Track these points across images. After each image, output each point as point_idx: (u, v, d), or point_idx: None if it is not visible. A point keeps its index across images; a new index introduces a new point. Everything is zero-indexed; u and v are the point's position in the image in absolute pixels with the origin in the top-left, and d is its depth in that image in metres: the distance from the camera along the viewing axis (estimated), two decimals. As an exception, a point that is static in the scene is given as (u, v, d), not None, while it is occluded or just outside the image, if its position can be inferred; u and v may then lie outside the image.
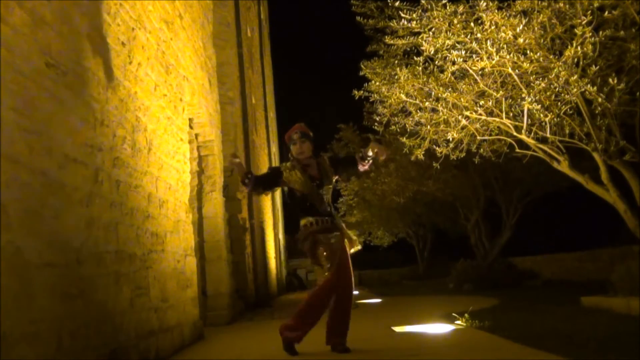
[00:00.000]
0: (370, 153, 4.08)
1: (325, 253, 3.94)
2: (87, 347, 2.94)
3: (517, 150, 6.50)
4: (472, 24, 5.44)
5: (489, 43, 5.26)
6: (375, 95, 6.61)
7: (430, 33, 5.59)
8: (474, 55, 5.50)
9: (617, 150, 5.69)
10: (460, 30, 5.47)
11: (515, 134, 5.97)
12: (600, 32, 4.98)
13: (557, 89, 5.38)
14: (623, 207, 5.92)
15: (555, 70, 5.13)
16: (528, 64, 5.24)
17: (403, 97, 6.11)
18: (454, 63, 5.62)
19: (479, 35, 5.35)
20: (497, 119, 5.91)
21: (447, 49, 5.55)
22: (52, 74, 2.83)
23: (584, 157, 6.80)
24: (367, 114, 9.86)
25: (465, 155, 6.66)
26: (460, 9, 5.40)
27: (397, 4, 5.67)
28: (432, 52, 5.69)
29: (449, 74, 5.79)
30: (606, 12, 4.97)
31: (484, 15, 5.25)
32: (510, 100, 5.87)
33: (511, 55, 5.21)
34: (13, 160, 2.41)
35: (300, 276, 23.24)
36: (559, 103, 5.54)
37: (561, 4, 5.08)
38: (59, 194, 2.80)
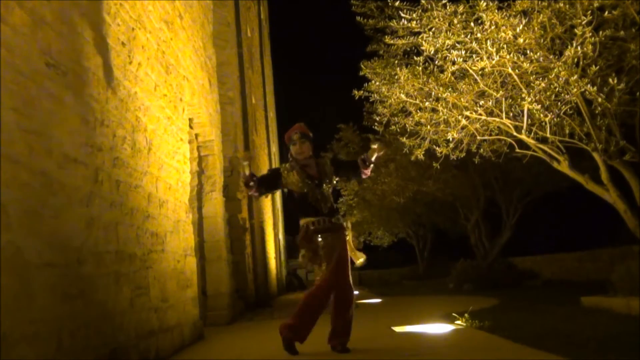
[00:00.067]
0: (372, 158, 4.08)
1: (321, 253, 3.95)
2: (87, 347, 2.94)
3: (517, 150, 6.50)
4: (472, 24, 5.44)
5: (489, 43, 5.26)
6: (375, 95, 6.61)
7: (430, 33, 5.59)
8: (474, 55, 5.50)
9: (617, 150, 5.69)
10: (460, 30, 5.47)
11: (515, 134, 5.97)
12: (600, 32, 4.98)
13: (557, 89, 5.38)
14: (623, 207, 5.92)
15: (555, 70, 5.13)
16: (528, 64, 5.24)
17: (403, 97, 6.10)
18: (454, 63, 5.61)
19: (479, 35, 5.35)
20: (497, 119, 5.91)
21: (447, 49, 5.54)
22: (52, 74, 2.83)
23: (584, 157, 6.80)
24: (367, 114, 9.85)
25: (465, 155, 6.65)
26: (460, 9, 5.40)
27: (397, 4, 5.67)
28: (432, 52, 5.69)
29: (449, 74, 5.78)
30: (606, 12, 4.97)
31: (484, 15, 5.24)
32: (510, 100, 5.87)
33: (511, 55, 5.21)
34: (13, 160, 2.41)
35: (300, 276, 23.23)
36: (559, 103, 5.54)
37: (561, 4, 5.08)
38: (59, 194, 2.80)
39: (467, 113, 5.90)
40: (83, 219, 3.06)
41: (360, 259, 4.18)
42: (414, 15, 5.64)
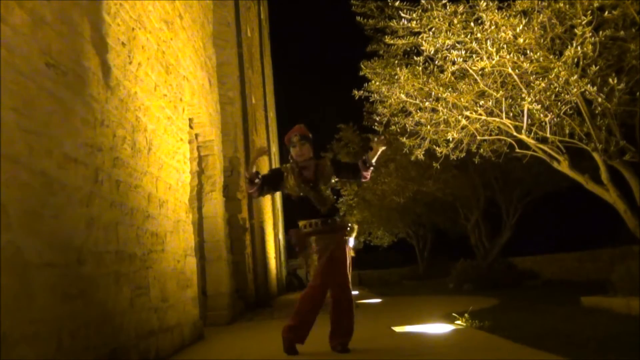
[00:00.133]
0: (374, 157, 4.10)
1: (315, 254, 3.96)
2: (87, 347, 2.94)
3: (517, 150, 6.50)
4: (472, 24, 5.44)
5: (489, 43, 5.26)
6: (375, 95, 6.61)
7: (430, 33, 5.59)
8: (474, 55, 5.50)
9: (617, 150, 5.69)
10: (460, 30, 5.47)
11: (515, 134, 5.97)
12: (600, 32, 4.98)
13: (557, 89, 5.38)
14: (623, 207, 5.92)
15: (555, 70, 5.13)
16: (528, 64, 5.24)
17: (403, 97, 6.11)
18: (454, 63, 5.62)
19: (479, 35, 5.35)
20: (497, 119, 5.91)
21: (447, 49, 5.55)
22: (52, 74, 2.83)
23: (584, 157, 6.80)
24: (367, 114, 9.85)
25: (465, 155, 6.66)
26: (460, 9, 5.40)
27: (397, 4, 5.67)
28: (432, 52, 5.69)
29: (449, 74, 5.79)
30: (606, 12, 4.97)
31: (484, 15, 5.25)
32: (510, 100, 5.87)
33: (511, 55, 5.21)
34: (13, 160, 2.41)
35: (300, 276, 23.23)
36: (559, 103, 5.54)
37: (561, 4, 5.08)
38: (59, 194, 2.80)
39: (467, 113, 5.90)
40: (83, 219, 3.06)
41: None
42: (414, 15, 5.64)
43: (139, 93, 4.15)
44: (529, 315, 5.51)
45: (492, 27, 5.25)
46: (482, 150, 6.68)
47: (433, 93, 5.99)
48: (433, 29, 5.58)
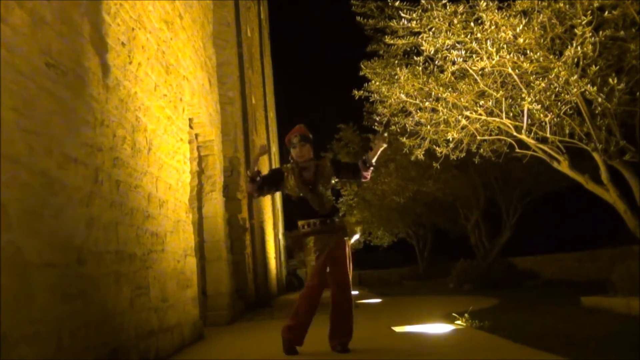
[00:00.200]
0: (375, 156, 4.11)
1: (312, 254, 3.96)
2: (87, 347, 2.94)
3: (517, 150, 6.50)
4: (472, 24, 5.44)
5: (489, 43, 5.26)
6: (375, 95, 6.61)
7: (430, 33, 5.59)
8: (474, 55, 5.50)
9: (617, 150, 5.69)
10: (460, 30, 5.47)
11: (515, 134, 5.97)
12: (600, 32, 4.98)
13: (557, 89, 5.38)
14: (623, 207, 5.92)
15: (555, 70, 5.13)
16: (528, 64, 5.24)
17: (403, 97, 6.11)
18: (454, 63, 5.62)
19: (479, 35, 5.35)
20: (497, 119, 5.91)
21: (447, 49, 5.55)
22: (52, 74, 2.83)
23: (584, 157, 6.80)
24: (367, 114, 9.85)
25: (465, 155, 6.66)
26: (460, 9, 5.40)
27: (397, 4, 5.67)
28: (432, 52, 5.69)
29: (449, 74, 5.79)
30: (606, 12, 4.97)
31: (484, 15, 5.25)
32: (510, 100, 5.87)
33: (511, 55, 5.21)
34: (13, 160, 2.41)
35: (300, 276, 23.20)
36: (559, 103, 5.54)
37: (561, 4, 5.08)
38: (59, 194, 2.80)
39: (467, 113, 5.90)
40: (83, 219, 3.06)
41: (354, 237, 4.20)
42: (414, 15, 5.64)
43: (139, 93, 4.15)
44: (529, 315, 5.51)
45: (492, 27, 5.25)
46: (482, 150, 6.68)
47: (433, 93, 5.98)
48: (433, 29, 5.58)
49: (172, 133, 5.05)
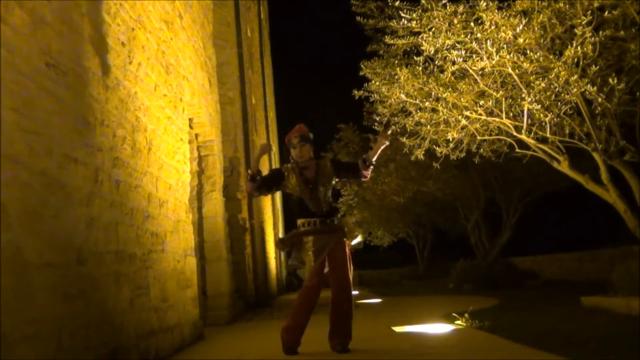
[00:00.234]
0: (376, 155, 4.11)
1: (310, 253, 3.96)
2: (87, 347, 2.94)
3: (517, 150, 6.50)
4: (472, 24, 5.44)
5: (489, 43, 5.26)
6: (375, 95, 6.61)
7: (430, 33, 5.59)
8: (474, 55, 5.50)
9: (617, 150, 5.69)
10: (460, 30, 5.47)
11: (515, 134, 5.97)
12: (600, 32, 4.98)
13: (557, 89, 5.38)
14: (623, 207, 5.92)
15: (555, 70, 5.13)
16: (528, 64, 5.24)
17: (403, 97, 6.11)
18: (454, 63, 5.62)
19: (479, 35, 5.35)
20: (497, 119, 5.91)
21: (447, 49, 5.55)
22: (52, 74, 2.83)
23: (584, 157, 6.80)
24: (367, 114, 9.86)
25: (465, 155, 6.66)
26: (460, 9, 5.40)
27: (397, 4, 5.67)
28: (432, 52, 5.69)
29: (449, 74, 5.79)
30: (606, 12, 4.97)
31: (484, 15, 5.25)
32: (510, 100, 5.87)
33: (511, 55, 5.21)
34: (13, 160, 2.41)
35: (300, 276, 23.17)
36: (559, 103, 5.54)
37: (561, 4, 5.08)
38: (59, 194, 2.80)
39: (467, 113, 5.90)
40: (83, 219, 3.06)
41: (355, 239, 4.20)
42: (414, 15, 5.64)
43: (139, 93, 4.15)
44: (529, 315, 5.51)
45: (492, 27, 5.25)
46: (482, 150, 6.68)
47: (433, 93, 5.99)
48: (433, 29, 5.59)
49: (172, 133, 5.05)
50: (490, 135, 6.40)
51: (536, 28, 5.19)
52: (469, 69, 5.62)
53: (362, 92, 6.60)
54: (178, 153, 5.23)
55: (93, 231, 3.16)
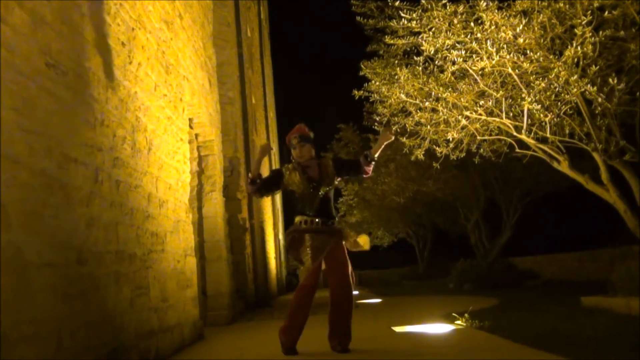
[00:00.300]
0: (378, 151, 4.11)
1: (307, 252, 3.95)
2: (87, 347, 2.94)
3: (517, 150, 6.50)
4: (472, 24, 5.44)
5: (489, 43, 5.26)
6: (375, 95, 6.61)
7: (430, 33, 5.59)
8: (474, 55, 5.51)
9: (617, 150, 5.69)
10: (460, 30, 5.48)
11: (515, 134, 5.97)
12: (600, 32, 4.98)
13: (557, 89, 5.38)
14: (623, 207, 5.92)
15: (555, 70, 5.13)
16: (528, 64, 5.24)
17: (403, 97, 6.11)
18: (454, 63, 5.62)
19: (479, 35, 5.35)
20: (497, 119, 5.91)
21: (447, 49, 5.55)
22: (52, 74, 2.83)
23: (584, 157, 6.81)
24: (367, 114, 9.87)
25: (465, 155, 6.66)
26: (460, 9, 5.40)
27: (397, 4, 5.67)
28: (432, 52, 5.69)
29: (449, 74, 5.79)
30: (606, 12, 4.97)
31: (484, 15, 5.25)
32: (510, 100, 5.87)
33: (511, 55, 5.21)
34: (13, 160, 2.41)
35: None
36: (559, 103, 5.54)
37: (561, 4, 5.08)
38: (59, 194, 2.80)
39: (467, 113, 5.90)
40: (83, 219, 3.06)
41: (364, 244, 4.17)
42: (414, 15, 5.64)
43: (139, 93, 4.15)
44: (529, 315, 5.51)
45: (492, 27, 5.25)
46: (482, 150, 6.69)
47: (433, 93, 5.99)
48: (433, 29, 5.59)
49: (172, 133, 5.05)
50: (490, 135, 6.40)
51: (536, 28, 5.19)
52: (469, 69, 5.62)
53: (362, 92, 6.60)
54: (178, 153, 5.23)
55: (93, 231, 3.16)
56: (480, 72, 5.60)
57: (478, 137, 6.32)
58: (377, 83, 6.44)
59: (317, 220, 4.01)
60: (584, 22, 4.88)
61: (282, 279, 19.62)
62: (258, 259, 10.82)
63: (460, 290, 11.37)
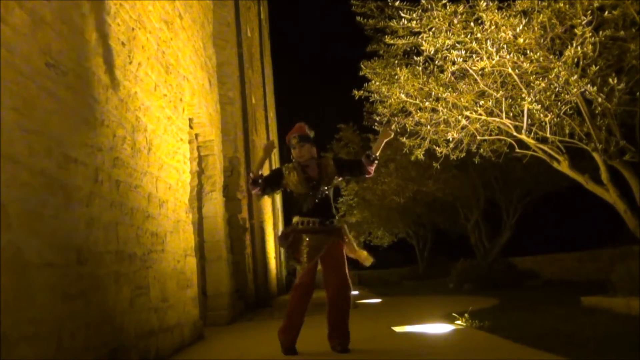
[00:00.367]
0: (379, 150, 4.10)
1: (305, 252, 3.95)
2: (87, 347, 2.94)
3: (517, 150, 6.50)
4: (472, 24, 5.44)
5: (489, 43, 5.26)
6: (375, 95, 6.61)
7: (430, 33, 5.59)
8: (474, 55, 5.50)
9: (617, 150, 5.69)
10: (460, 30, 5.47)
11: (515, 134, 5.97)
12: (600, 32, 4.98)
13: (557, 89, 5.38)
14: (623, 207, 5.92)
15: (555, 70, 5.13)
16: (528, 64, 5.24)
17: (403, 97, 6.11)
18: (454, 63, 5.62)
19: (479, 35, 5.35)
20: (497, 119, 5.91)
21: (447, 49, 5.55)
22: (52, 74, 2.83)
23: (584, 157, 6.80)
24: (367, 114, 9.86)
25: (465, 155, 6.66)
26: (460, 9, 5.40)
27: (397, 4, 5.67)
28: (432, 52, 5.69)
29: (449, 74, 5.79)
30: (606, 12, 4.97)
31: (484, 15, 5.25)
32: (510, 100, 5.87)
33: (511, 55, 5.21)
34: (13, 160, 2.41)
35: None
36: (559, 103, 5.54)
37: (561, 4, 5.08)
38: (59, 194, 2.80)
39: (467, 113, 5.90)
40: (83, 219, 3.06)
41: (367, 260, 4.15)
42: (414, 15, 5.64)
43: (139, 93, 4.15)
44: (529, 315, 5.51)
45: (492, 27, 5.25)
46: (482, 150, 6.69)
47: (433, 93, 5.98)
48: (433, 29, 5.58)
49: (172, 133, 5.05)
50: (490, 135, 6.40)
51: (536, 28, 5.19)
52: (469, 69, 5.62)
53: (362, 92, 6.60)
54: (178, 153, 5.23)
55: (93, 231, 3.16)
56: (480, 72, 5.60)
57: (478, 137, 6.32)
58: (377, 83, 6.44)
59: (314, 220, 4.01)
60: (584, 22, 4.88)
61: (282, 279, 19.62)
62: (258, 259, 10.82)
63: (460, 290, 11.37)
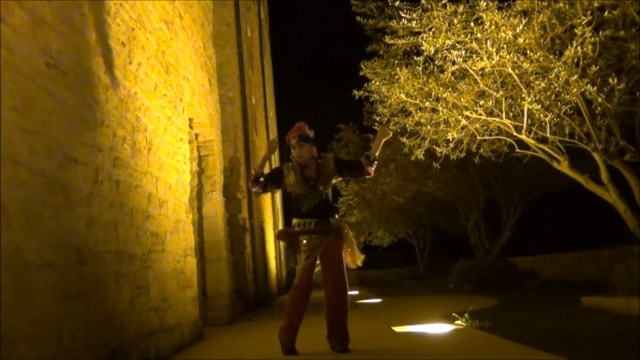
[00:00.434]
0: (378, 150, 4.10)
1: (302, 253, 3.96)
2: (87, 347, 2.94)
3: (517, 150, 6.50)
4: (472, 24, 5.44)
5: (489, 43, 5.26)
6: (375, 95, 6.61)
7: (430, 33, 5.59)
8: (474, 55, 5.50)
9: (617, 150, 5.69)
10: (460, 30, 5.48)
11: (515, 134, 5.97)
12: (600, 32, 4.98)
13: (557, 89, 5.38)
14: (623, 207, 5.92)
15: (555, 70, 5.13)
16: (528, 64, 5.24)
17: (403, 97, 6.11)
18: (454, 63, 5.62)
19: (479, 35, 5.35)
20: (497, 119, 5.91)
21: (447, 49, 5.55)
22: (52, 74, 2.83)
23: (584, 157, 6.80)
24: (367, 114, 9.86)
25: (465, 155, 6.66)
26: (460, 9, 5.40)
27: (397, 4, 5.67)
28: (432, 52, 5.69)
29: (449, 74, 5.79)
30: (606, 12, 4.97)
31: (484, 15, 5.25)
32: (510, 100, 5.87)
33: (511, 55, 5.21)
34: (13, 160, 2.41)
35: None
36: (559, 103, 5.54)
37: (561, 4, 5.08)
38: (59, 194, 2.80)
39: (467, 113, 5.90)
40: (83, 219, 3.06)
41: (359, 260, 4.15)
42: (414, 15, 5.64)
43: (139, 93, 4.15)
44: (529, 315, 5.51)
45: (492, 27, 5.25)
46: (482, 150, 6.68)
47: (433, 93, 5.99)
48: (433, 29, 5.58)
49: (172, 133, 5.05)
50: (490, 135, 6.40)
51: (536, 28, 5.19)
52: (469, 69, 5.62)
53: (362, 92, 6.60)
54: (178, 153, 5.23)
55: (93, 231, 3.16)
56: (480, 72, 5.60)
57: (478, 137, 6.32)
58: (377, 83, 6.44)
59: (312, 221, 4.01)
60: (584, 22, 4.88)
61: (282, 279, 19.61)
62: (258, 259, 10.82)
63: (460, 290, 11.37)
